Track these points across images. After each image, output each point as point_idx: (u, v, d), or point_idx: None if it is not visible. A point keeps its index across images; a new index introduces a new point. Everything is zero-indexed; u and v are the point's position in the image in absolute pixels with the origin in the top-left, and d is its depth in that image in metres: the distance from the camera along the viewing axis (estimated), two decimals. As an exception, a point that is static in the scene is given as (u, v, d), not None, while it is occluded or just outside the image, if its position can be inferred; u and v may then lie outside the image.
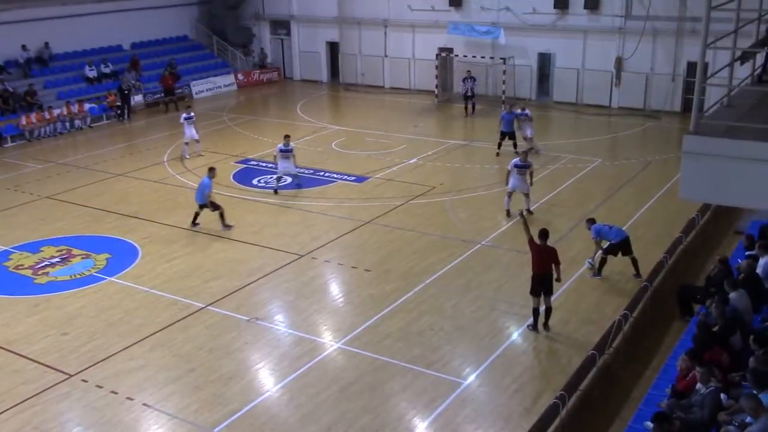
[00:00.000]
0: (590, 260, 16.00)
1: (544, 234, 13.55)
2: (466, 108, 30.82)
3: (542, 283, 13.36)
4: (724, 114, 8.77)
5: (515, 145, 23.99)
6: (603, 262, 15.65)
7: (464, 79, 30.76)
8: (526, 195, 18.96)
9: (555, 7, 31.50)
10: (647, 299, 13.82)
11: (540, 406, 10.95)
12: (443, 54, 34.04)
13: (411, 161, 24.33)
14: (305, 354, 13.00)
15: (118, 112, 31.90)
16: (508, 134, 24.08)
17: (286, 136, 21.87)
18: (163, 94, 33.95)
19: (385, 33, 36.58)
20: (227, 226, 18.76)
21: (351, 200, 20.81)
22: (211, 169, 19.14)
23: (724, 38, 9.02)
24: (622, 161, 24.10)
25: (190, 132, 25.14)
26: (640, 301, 13.60)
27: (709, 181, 8.06)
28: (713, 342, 10.87)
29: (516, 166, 18.68)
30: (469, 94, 30.55)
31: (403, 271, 16.12)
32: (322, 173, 23.28)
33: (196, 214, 19.00)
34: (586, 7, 30.87)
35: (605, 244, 15.60)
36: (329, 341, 13.47)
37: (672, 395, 10.27)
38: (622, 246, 15.52)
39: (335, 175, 23.00)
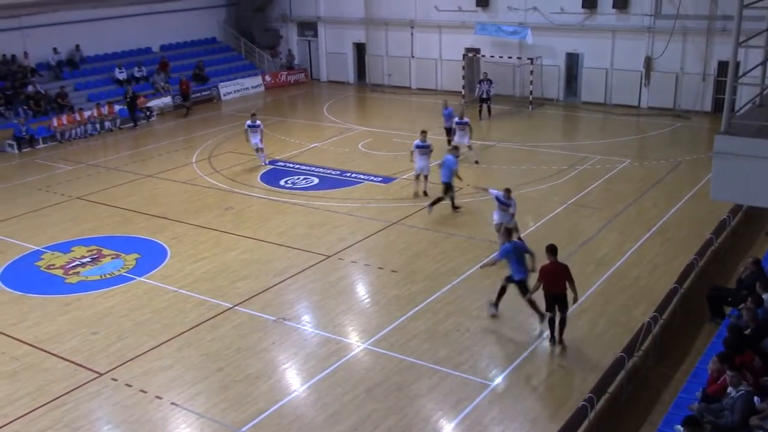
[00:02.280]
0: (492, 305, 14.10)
1: (552, 250, 12.72)
2: (480, 111, 30.45)
3: (556, 300, 12.68)
4: (756, 114, 8.66)
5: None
6: (502, 291, 13.86)
7: (480, 81, 30.58)
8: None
9: (583, 7, 31.26)
10: (677, 301, 13.66)
11: (567, 409, 10.88)
12: (470, 54, 33.96)
13: (437, 162, 24.25)
14: (332, 354, 13.03)
15: (140, 115, 31.74)
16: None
17: (423, 132, 21.24)
18: (181, 99, 33.82)
19: (412, 34, 36.59)
20: (456, 208, 19.51)
21: (377, 201, 20.82)
22: (456, 148, 19.73)
23: (757, 37, 8.89)
24: (652, 162, 23.84)
25: (255, 140, 24.31)
26: (670, 303, 13.46)
27: (740, 181, 7.96)
28: (745, 345, 10.72)
29: (498, 200, 16.77)
30: (485, 96, 30.24)
31: (429, 272, 16.09)
32: (348, 174, 23.33)
33: (440, 198, 19.27)
34: (614, 6, 30.59)
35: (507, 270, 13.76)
36: (356, 342, 13.49)
37: (702, 399, 10.15)
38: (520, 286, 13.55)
39: (362, 176, 23.03)
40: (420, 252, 17.25)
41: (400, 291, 15.32)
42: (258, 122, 24.65)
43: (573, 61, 32.74)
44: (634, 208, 19.55)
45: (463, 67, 33.70)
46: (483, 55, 33.77)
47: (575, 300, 12.78)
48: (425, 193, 20.72)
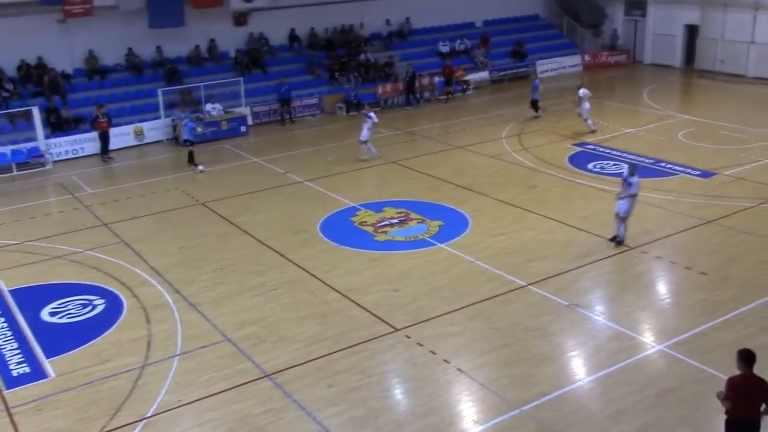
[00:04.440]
0: None
1: (749, 357, 8.71)
2: None
3: (743, 430, 8.80)
4: None
5: None
6: None
7: None
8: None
9: None
10: None
11: None
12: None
13: (769, 160, 21.92)
14: (623, 350, 12.46)
15: (403, 99, 31.64)
16: None
17: None
18: (444, 83, 32.63)
19: (755, 16, 33.13)
20: None
21: (693, 196, 19.35)
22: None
23: None
24: None
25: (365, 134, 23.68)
26: None
27: None
28: None
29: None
30: None
31: (744, 280, 14.63)
32: (663, 164, 21.96)
33: None
34: None
35: None
36: (651, 341, 12.75)
37: None
38: None
39: (677, 168, 21.56)
40: (735, 257, 15.74)
41: (707, 295, 14.14)
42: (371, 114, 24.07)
43: None
44: None
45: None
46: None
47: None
48: None
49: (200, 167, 23.19)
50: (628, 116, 28.26)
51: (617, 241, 16.44)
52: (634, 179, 16.13)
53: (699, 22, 35.58)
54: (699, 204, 18.71)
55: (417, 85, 31.87)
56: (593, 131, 25.52)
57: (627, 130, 26.08)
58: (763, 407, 8.62)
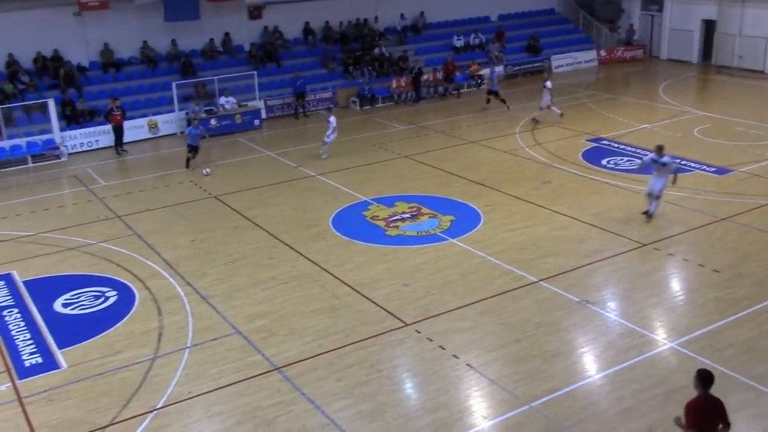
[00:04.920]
0: None
1: (707, 379, 8.64)
2: None
3: None
4: None
5: None
6: None
7: None
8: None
9: None
10: None
11: None
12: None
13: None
14: (634, 347, 12.39)
15: (411, 94, 31.41)
16: None
17: None
18: (444, 79, 32.35)
19: (774, 11, 32.85)
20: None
21: (708, 192, 19.20)
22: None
23: None
24: None
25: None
26: None
27: None
28: None
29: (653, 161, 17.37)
30: None
31: (759, 278, 14.51)
32: (678, 160, 21.69)
33: None
34: None
35: None
36: (662, 339, 12.67)
37: None
38: None
39: (693, 164, 21.40)
40: (750, 254, 15.61)
41: (721, 293, 14.04)
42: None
43: None
44: None
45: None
46: None
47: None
48: None
49: (207, 170, 22.98)
50: (643, 112, 28.07)
51: (649, 214, 17.43)
52: (666, 158, 17.14)
53: (716, 17, 35.25)
54: (714, 201, 18.57)
55: (432, 79, 31.81)
56: (561, 114, 26.67)
57: (642, 126, 25.90)
58: (720, 427, 8.56)
